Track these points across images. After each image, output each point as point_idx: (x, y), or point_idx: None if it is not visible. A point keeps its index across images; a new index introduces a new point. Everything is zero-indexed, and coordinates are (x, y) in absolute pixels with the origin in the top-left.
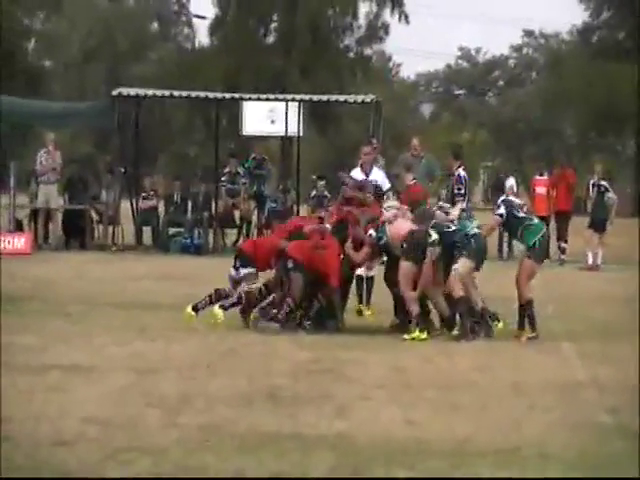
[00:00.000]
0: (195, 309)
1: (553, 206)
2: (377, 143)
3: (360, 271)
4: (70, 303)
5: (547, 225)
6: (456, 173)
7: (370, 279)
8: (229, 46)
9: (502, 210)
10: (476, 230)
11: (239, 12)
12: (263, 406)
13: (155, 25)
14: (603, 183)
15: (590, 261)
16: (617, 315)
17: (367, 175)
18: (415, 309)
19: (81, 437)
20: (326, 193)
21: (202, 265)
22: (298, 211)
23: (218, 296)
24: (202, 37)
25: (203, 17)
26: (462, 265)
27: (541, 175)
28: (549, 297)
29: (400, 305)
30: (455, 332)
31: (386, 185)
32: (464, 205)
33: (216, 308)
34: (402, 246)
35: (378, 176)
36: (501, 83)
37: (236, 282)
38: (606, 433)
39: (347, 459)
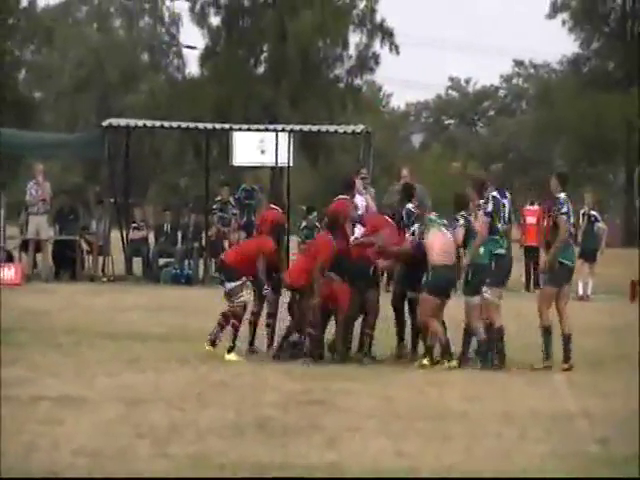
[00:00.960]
0: (213, 343)
1: (543, 236)
2: (367, 173)
3: None
4: (60, 334)
5: (537, 255)
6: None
7: None
8: (219, 76)
9: (490, 208)
10: (500, 250)
11: (229, 42)
12: (253, 437)
13: (145, 56)
14: (593, 213)
15: (580, 291)
16: (607, 345)
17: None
18: (444, 339)
19: (72, 468)
20: (316, 224)
21: (192, 295)
22: (288, 241)
23: (226, 319)
24: (192, 67)
25: (193, 47)
26: (492, 293)
27: (532, 204)
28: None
29: (406, 333)
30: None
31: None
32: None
33: (226, 355)
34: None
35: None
36: (491, 113)
37: (229, 296)
38: (595, 463)
39: None
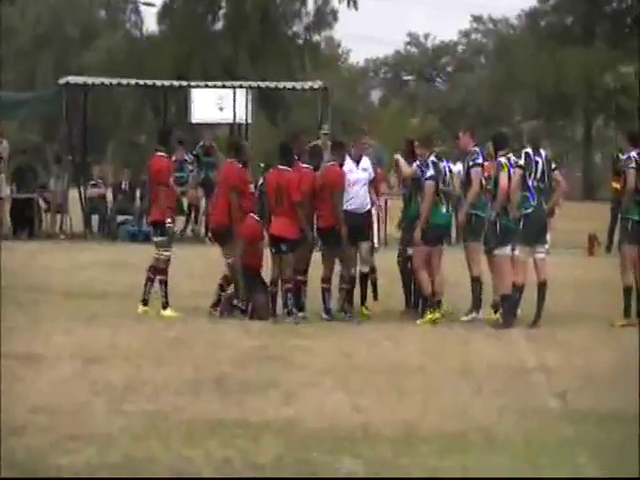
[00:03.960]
0: (145, 303)
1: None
2: (327, 129)
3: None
4: (18, 292)
5: None
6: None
7: (364, 276)
8: (177, 33)
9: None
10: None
11: None
12: (210, 394)
13: (103, 13)
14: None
15: None
16: (565, 300)
17: (357, 163)
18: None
19: (28, 425)
20: None
21: (150, 253)
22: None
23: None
24: (150, 25)
25: (151, 4)
26: (521, 250)
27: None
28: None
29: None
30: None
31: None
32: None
33: (161, 311)
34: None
35: (367, 164)
36: (450, 69)
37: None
38: (553, 417)
39: (294, 446)
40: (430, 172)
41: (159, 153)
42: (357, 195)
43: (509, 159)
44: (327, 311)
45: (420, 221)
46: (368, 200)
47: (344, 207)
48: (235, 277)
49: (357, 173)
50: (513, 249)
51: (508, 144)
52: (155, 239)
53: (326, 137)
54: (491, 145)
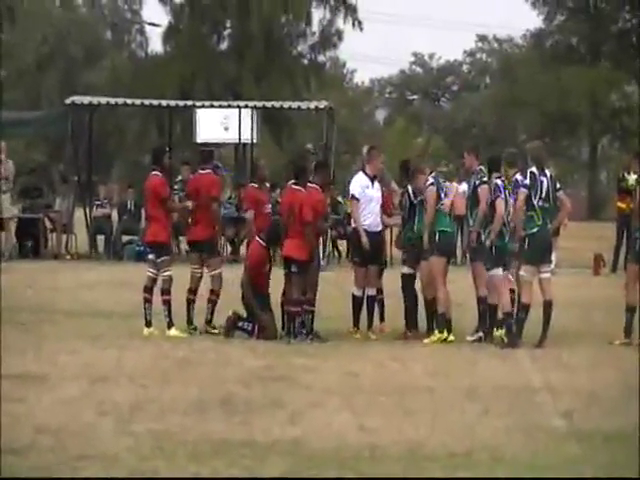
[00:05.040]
0: (149, 324)
1: None
2: (314, 149)
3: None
4: (23, 312)
5: None
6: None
7: (371, 299)
8: (182, 53)
9: (527, 182)
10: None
11: (192, 19)
12: (216, 413)
13: (108, 33)
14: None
15: None
16: (570, 320)
17: (372, 181)
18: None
19: (34, 445)
20: (279, 200)
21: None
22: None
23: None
24: (156, 45)
25: (157, 25)
26: (526, 271)
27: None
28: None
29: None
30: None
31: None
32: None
33: (167, 332)
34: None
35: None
36: (455, 88)
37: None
38: (559, 437)
39: (300, 465)
40: (430, 180)
41: (154, 172)
42: (372, 212)
43: (516, 180)
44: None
45: (426, 230)
46: (379, 220)
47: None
48: (246, 298)
49: (372, 191)
50: (506, 269)
51: (505, 165)
52: (153, 259)
53: (314, 157)
54: (485, 167)
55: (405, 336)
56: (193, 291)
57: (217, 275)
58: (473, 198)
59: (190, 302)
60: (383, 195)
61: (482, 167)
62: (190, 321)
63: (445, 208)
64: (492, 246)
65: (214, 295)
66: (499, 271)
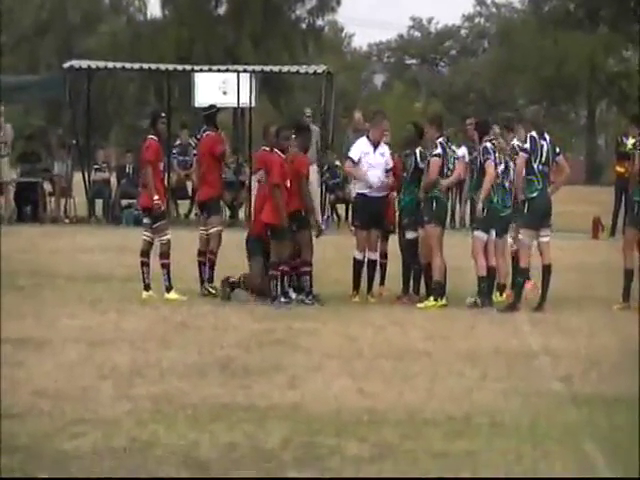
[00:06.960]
0: (147, 287)
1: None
2: (310, 112)
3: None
4: (22, 276)
5: None
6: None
7: (372, 263)
8: (181, 18)
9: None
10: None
11: None
12: (215, 377)
13: None
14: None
15: None
16: (569, 284)
17: (375, 147)
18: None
19: (32, 410)
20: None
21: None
22: (250, 183)
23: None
24: (154, 9)
25: None
26: (525, 234)
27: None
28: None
29: (415, 274)
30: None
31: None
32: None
33: (165, 295)
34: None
35: (384, 150)
36: (453, 53)
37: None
38: (558, 401)
39: (299, 430)
40: (438, 150)
41: (150, 136)
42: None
43: (516, 145)
44: (284, 294)
45: (422, 192)
46: (382, 185)
47: (361, 190)
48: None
49: (374, 157)
50: (497, 234)
51: (503, 129)
52: (148, 223)
53: (309, 120)
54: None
55: (400, 300)
56: (203, 252)
57: (215, 233)
58: (425, 169)
59: (201, 264)
60: (393, 158)
61: (442, 139)
62: (203, 281)
63: (442, 189)
64: (483, 208)
65: (212, 255)
66: (482, 234)
